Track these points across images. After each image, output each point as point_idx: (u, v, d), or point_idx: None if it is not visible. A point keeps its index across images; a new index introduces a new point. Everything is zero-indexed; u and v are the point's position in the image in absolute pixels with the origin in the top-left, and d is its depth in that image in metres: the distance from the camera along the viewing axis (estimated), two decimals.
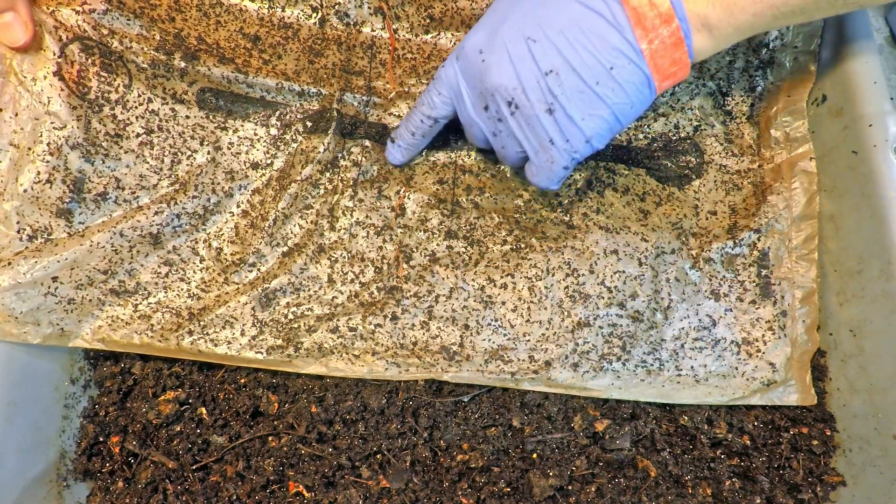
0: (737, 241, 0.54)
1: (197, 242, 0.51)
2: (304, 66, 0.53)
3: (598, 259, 0.53)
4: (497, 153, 0.50)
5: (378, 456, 0.50)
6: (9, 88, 0.46)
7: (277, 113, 0.53)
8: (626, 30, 0.41)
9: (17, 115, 0.46)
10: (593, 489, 0.50)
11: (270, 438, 0.51)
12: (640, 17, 0.40)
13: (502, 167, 0.54)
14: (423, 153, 0.54)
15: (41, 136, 0.47)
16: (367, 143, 0.54)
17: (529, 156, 0.47)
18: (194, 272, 0.51)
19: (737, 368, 0.52)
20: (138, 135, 0.50)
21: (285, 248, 0.52)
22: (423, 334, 0.52)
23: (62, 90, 0.47)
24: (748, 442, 0.52)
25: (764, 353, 0.53)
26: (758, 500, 0.50)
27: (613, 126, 0.45)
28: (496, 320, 0.52)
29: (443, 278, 0.52)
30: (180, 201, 0.50)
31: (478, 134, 0.49)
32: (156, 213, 0.50)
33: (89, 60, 0.48)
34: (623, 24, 0.41)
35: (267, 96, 0.52)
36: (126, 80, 0.50)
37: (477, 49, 0.44)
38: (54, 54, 0.47)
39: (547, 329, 0.52)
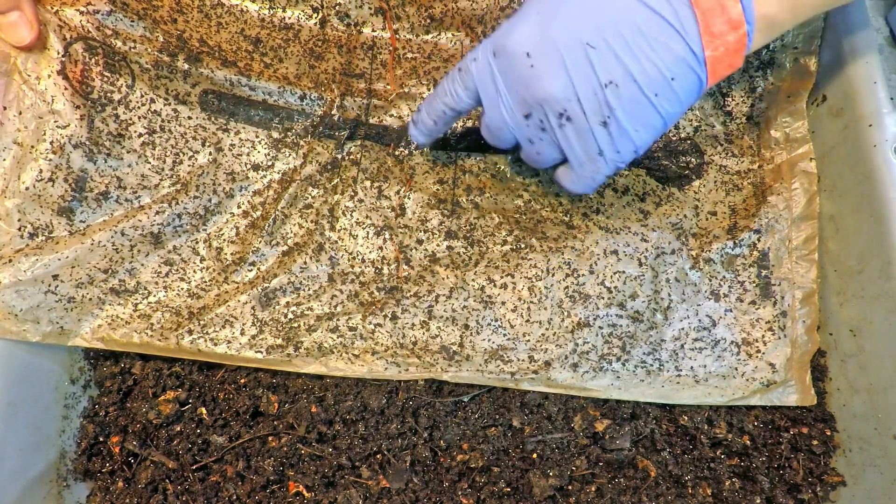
0: (737, 241, 0.54)
1: (197, 242, 0.51)
2: (305, 71, 0.53)
3: (598, 259, 0.53)
4: (526, 156, 0.46)
5: (378, 456, 0.50)
6: (13, 87, 0.46)
7: (279, 116, 0.53)
8: (693, 37, 0.38)
9: (20, 113, 0.47)
10: (593, 489, 0.50)
11: (270, 438, 0.51)
12: (710, 22, 0.37)
13: (502, 167, 0.55)
14: (423, 153, 0.54)
15: (44, 134, 0.47)
16: (367, 143, 0.54)
17: (572, 165, 0.44)
18: (194, 272, 0.51)
19: (736, 369, 0.52)
20: (140, 135, 0.50)
21: (285, 248, 0.52)
22: (423, 334, 0.52)
23: (66, 89, 0.48)
24: (748, 442, 0.52)
25: (764, 353, 0.53)
26: (758, 500, 0.50)
27: (661, 132, 0.42)
28: (496, 320, 0.52)
29: (443, 278, 0.52)
30: (181, 201, 0.51)
31: (507, 137, 0.45)
32: (157, 212, 0.50)
33: (93, 60, 0.49)
34: (690, 31, 0.38)
35: (269, 99, 0.53)
36: (129, 80, 0.50)
37: (524, 51, 0.39)
38: (58, 53, 0.47)
39: (547, 329, 0.52)
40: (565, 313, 0.52)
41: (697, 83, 0.40)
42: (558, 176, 0.46)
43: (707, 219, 0.55)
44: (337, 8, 0.53)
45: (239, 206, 0.52)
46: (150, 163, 0.51)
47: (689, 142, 0.56)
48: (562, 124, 0.41)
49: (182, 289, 0.51)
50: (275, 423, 0.51)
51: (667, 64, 0.38)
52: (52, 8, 0.47)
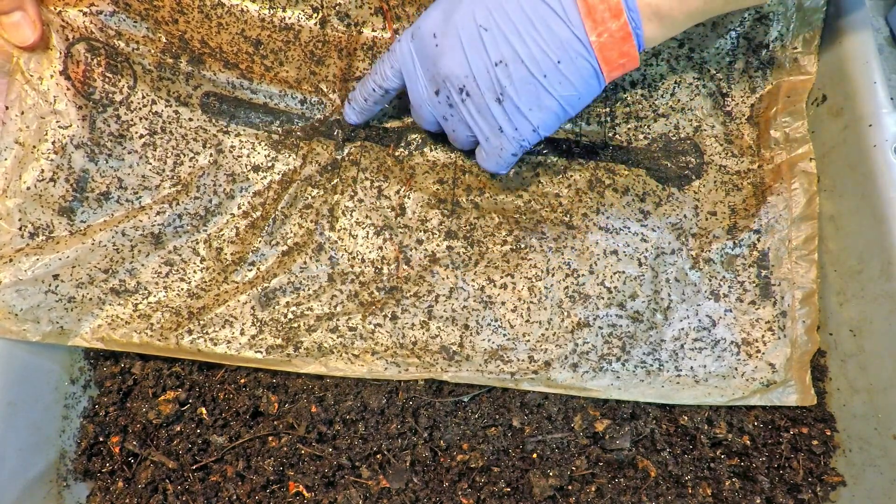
0: (737, 241, 0.54)
1: (198, 243, 0.52)
2: (306, 76, 0.53)
3: (598, 259, 0.53)
4: (448, 136, 0.50)
5: (378, 456, 0.50)
6: (15, 87, 0.47)
7: (280, 119, 0.53)
8: (576, 24, 0.41)
9: (22, 113, 0.47)
10: (593, 489, 0.50)
11: (270, 438, 0.51)
12: (591, 9, 0.40)
13: None
14: (423, 153, 0.54)
15: (46, 134, 0.48)
16: (367, 143, 0.54)
17: (480, 142, 0.48)
18: (194, 272, 0.51)
19: (736, 369, 0.52)
20: (142, 136, 0.50)
21: (285, 248, 0.52)
22: (423, 334, 0.52)
23: (68, 89, 0.48)
24: (748, 442, 0.52)
25: (764, 353, 0.52)
26: (758, 500, 0.50)
27: (561, 116, 0.45)
28: (496, 320, 0.52)
29: (443, 278, 0.52)
30: (182, 202, 0.51)
31: (427, 116, 0.49)
32: (157, 213, 0.50)
33: (95, 61, 0.49)
34: (572, 17, 0.41)
35: (270, 103, 0.53)
36: (131, 81, 0.50)
37: (431, 32, 0.44)
38: (61, 53, 0.48)
39: (546, 329, 0.52)
40: (565, 313, 0.52)
41: (589, 69, 0.43)
42: (476, 155, 0.50)
43: (707, 219, 0.55)
44: (337, 8, 0.54)
45: (239, 207, 0.52)
46: (150, 163, 0.51)
47: (689, 142, 0.56)
48: (463, 99, 0.45)
49: (182, 289, 0.51)
50: (275, 423, 0.51)
51: (552, 47, 0.42)
52: (54, 8, 0.47)
